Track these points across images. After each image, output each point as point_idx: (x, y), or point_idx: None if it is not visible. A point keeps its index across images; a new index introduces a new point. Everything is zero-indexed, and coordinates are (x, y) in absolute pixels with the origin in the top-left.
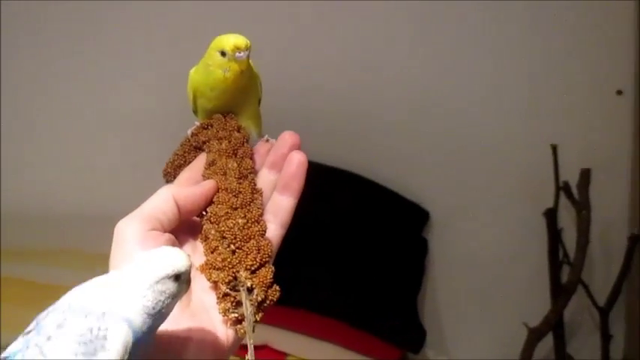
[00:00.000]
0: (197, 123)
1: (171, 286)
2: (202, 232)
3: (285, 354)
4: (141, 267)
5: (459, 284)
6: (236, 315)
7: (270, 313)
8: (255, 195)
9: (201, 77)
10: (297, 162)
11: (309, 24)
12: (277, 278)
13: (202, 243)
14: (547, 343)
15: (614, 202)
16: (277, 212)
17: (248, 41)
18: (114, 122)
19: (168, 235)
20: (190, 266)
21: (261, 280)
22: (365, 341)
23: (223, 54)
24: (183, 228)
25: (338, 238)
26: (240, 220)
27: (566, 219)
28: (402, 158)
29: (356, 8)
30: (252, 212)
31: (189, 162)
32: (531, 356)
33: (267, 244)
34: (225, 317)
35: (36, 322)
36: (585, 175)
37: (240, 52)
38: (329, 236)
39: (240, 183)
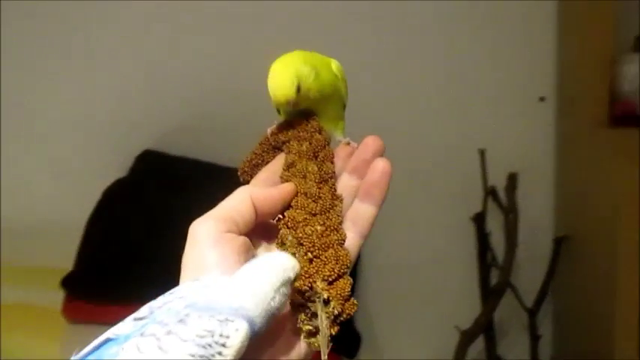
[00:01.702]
0: (277, 122)
1: (288, 290)
2: (279, 236)
3: None
4: (266, 270)
5: (390, 289)
6: (310, 327)
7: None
8: (335, 201)
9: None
10: (381, 169)
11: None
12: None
13: (278, 248)
14: (478, 344)
15: (540, 205)
16: (357, 220)
17: (289, 94)
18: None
19: (243, 238)
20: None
21: (338, 292)
22: None
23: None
24: (258, 230)
25: None
26: (318, 227)
27: (494, 223)
28: None
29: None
30: (331, 219)
31: (267, 162)
32: (463, 358)
33: (346, 254)
34: (299, 329)
35: (149, 310)
36: (512, 180)
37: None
38: None
39: (320, 188)
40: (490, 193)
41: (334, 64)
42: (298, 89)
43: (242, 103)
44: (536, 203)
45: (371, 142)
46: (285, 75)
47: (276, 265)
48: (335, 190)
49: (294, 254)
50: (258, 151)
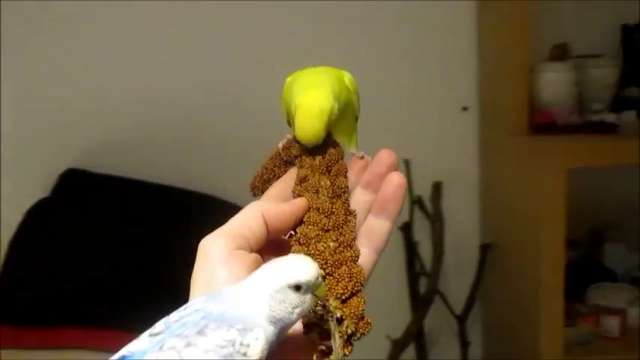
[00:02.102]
0: (289, 136)
1: (291, 296)
2: (291, 252)
3: None
4: (263, 276)
5: None
6: (323, 348)
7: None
8: (349, 217)
9: (288, 96)
10: (396, 184)
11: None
12: (118, 304)
13: None
14: (409, 353)
15: (465, 213)
16: (371, 236)
17: (318, 135)
18: None
19: (254, 255)
20: (317, 278)
21: (352, 310)
22: None
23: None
24: (270, 247)
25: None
26: (331, 244)
27: (421, 231)
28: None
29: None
30: (344, 235)
31: (279, 176)
32: None
33: (360, 272)
34: (312, 348)
35: (165, 324)
36: (437, 188)
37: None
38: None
39: (332, 203)
40: (416, 202)
41: (347, 78)
42: (326, 128)
43: (169, 119)
44: (461, 211)
45: (385, 156)
46: (320, 122)
47: (276, 269)
48: (348, 205)
49: None
50: (270, 165)
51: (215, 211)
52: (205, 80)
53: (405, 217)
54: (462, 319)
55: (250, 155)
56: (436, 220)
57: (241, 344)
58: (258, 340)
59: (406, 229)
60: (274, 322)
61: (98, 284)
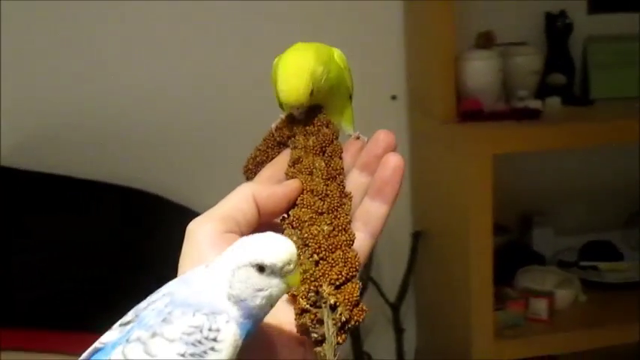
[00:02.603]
0: (282, 116)
1: (254, 277)
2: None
3: None
4: (230, 252)
5: None
6: (315, 335)
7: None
8: (344, 199)
9: (276, 76)
10: (393, 165)
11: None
12: (67, 301)
13: None
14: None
15: (397, 201)
16: (368, 220)
17: (301, 98)
18: None
19: None
20: (288, 263)
21: (346, 297)
22: None
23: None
24: (262, 230)
25: (129, 257)
26: (325, 227)
27: None
28: (189, 171)
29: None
30: (339, 219)
31: (272, 158)
32: None
33: (355, 256)
34: (303, 336)
35: (134, 313)
36: None
37: (291, 109)
38: (119, 256)
39: (327, 185)
40: None
41: (337, 54)
42: (311, 92)
43: (98, 113)
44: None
45: (382, 137)
46: (300, 80)
47: (238, 248)
48: (344, 188)
49: (299, 256)
50: (263, 147)
51: (158, 210)
52: (149, 76)
53: None
54: (395, 307)
55: (191, 152)
56: None
57: (210, 329)
58: (229, 324)
59: None
60: (236, 302)
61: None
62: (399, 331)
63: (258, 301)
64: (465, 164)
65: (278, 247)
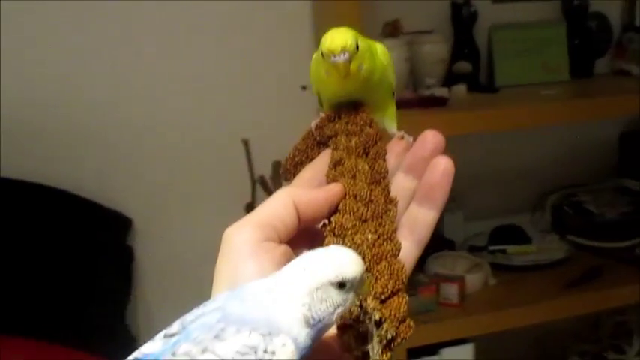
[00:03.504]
0: (322, 114)
1: (334, 294)
2: (325, 244)
3: None
4: (301, 270)
5: (170, 288)
6: (359, 353)
7: None
8: (389, 205)
9: (316, 68)
10: (443, 168)
11: None
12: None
13: None
14: None
15: None
16: (414, 227)
17: (348, 41)
18: None
19: (283, 247)
20: (362, 272)
21: (392, 312)
22: (75, 357)
23: (323, 54)
24: (302, 237)
25: (37, 254)
26: (370, 236)
27: None
28: (98, 167)
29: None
30: (384, 226)
31: (312, 159)
32: None
33: (402, 268)
34: (346, 353)
35: (181, 325)
36: (277, 168)
37: (335, 57)
38: (27, 253)
39: (371, 189)
40: (260, 182)
41: (380, 49)
42: (357, 47)
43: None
44: None
45: (430, 138)
46: (347, 32)
47: (315, 265)
48: (389, 192)
49: None
50: (302, 147)
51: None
52: (78, 87)
53: (248, 199)
54: None
55: (136, 157)
56: None
57: (265, 351)
58: (286, 347)
59: (250, 209)
60: (313, 324)
61: None
62: None
63: (334, 318)
64: None
65: (353, 260)
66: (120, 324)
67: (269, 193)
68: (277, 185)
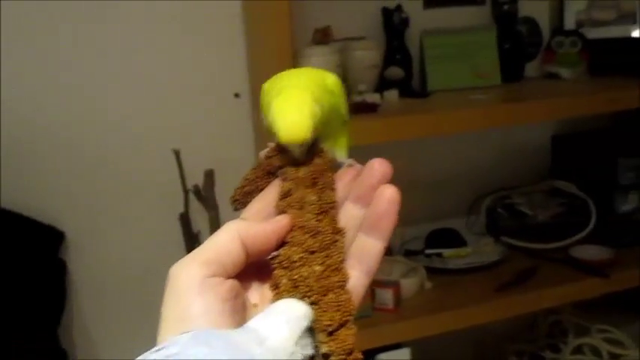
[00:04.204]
0: (271, 144)
1: (308, 341)
2: (273, 277)
3: None
4: (280, 321)
5: (105, 301)
6: None
7: None
8: (337, 236)
9: (266, 104)
10: (388, 198)
11: None
12: None
13: (272, 291)
14: None
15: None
16: (362, 257)
17: (307, 135)
18: None
19: (231, 283)
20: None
21: (339, 345)
22: None
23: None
24: (250, 270)
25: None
26: (317, 268)
27: (200, 221)
28: (30, 180)
29: None
30: (332, 257)
31: (261, 189)
32: None
33: (349, 300)
34: None
35: None
36: (209, 177)
37: (292, 147)
38: None
39: (319, 220)
40: (194, 192)
41: (330, 80)
42: (313, 129)
43: None
44: None
45: (377, 166)
46: (302, 118)
47: (291, 315)
48: (336, 223)
49: None
50: (251, 176)
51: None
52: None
53: (181, 208)
54: None
55: (69, 170)
56: (212, 209)
57: None
58: None
59: (184, 219)
60: None
61: None
62: None
63: None
64: None
65: (306, 306)
66: (50, 339)
67: (203, 202)
68: (210, 194)
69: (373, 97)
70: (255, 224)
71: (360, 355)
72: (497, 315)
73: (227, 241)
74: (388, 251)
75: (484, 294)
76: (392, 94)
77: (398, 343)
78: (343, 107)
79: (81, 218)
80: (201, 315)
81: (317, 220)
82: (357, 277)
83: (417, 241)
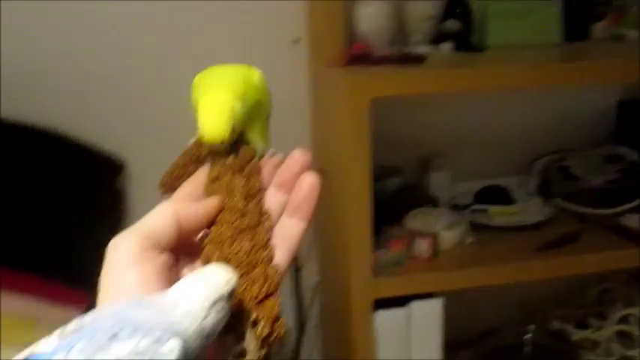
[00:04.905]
0: None
1: (225, 306)
2: (203, 254)
3: None
4: (198, 286)
5: None
6: (238, 350)
7: None
8: (263, 217)
9: (195, 98)
10: (308, 185)
11: None
12: None
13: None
14: None
15: (295, 144)
16: (285, 237)
17: (227, 134)
18: None
19: (165, 256)
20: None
21: (266, 312)
22: (60, 291)
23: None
24: (181, 247)
25: (31, 195)
26: (246, 244)
27: None
28: (91, 109)
29: None
30: (259, 236)
31: (190, 174)
32: None
33: (275, 273)
34: (226, 351)
35: (79, 325)
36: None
37: (213, 145)
38: (21, 195)
39: (246, 203)
40: None
41: (256, 76)
42: (232, 129)
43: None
44: (295, 142)
45: (298, 156)
46: (221, 120)
47: (210, 280)
48: (262, 206)
49: None
50: (181, 162)
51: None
52: (79, 30)
53: None
54: None
55: (132, 100)
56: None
57: (154, 352)
58: (173, 352)
59: None
60: (206, 335)
61: None
62: (296, 268)
63: (220, 328)
64: (345, 107)
65: (231, 272)
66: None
67: None
68: None
69: (425, 49)
70: (189, 204)
71: (285, 322)
72: (535, 275)
73: (163, 218)
74: (435, 203)
75: (524, 253)
76: (445, 47)
77: (431, 293)
78: (268, 103)
79: (142, 148)
80: (137, 283)
81: (245, 203)
82: (281, 255)
83: (467, 196)
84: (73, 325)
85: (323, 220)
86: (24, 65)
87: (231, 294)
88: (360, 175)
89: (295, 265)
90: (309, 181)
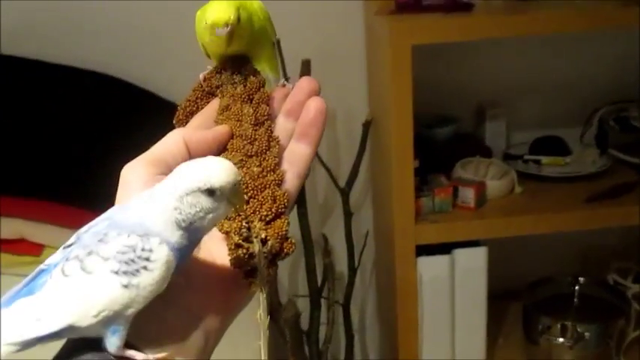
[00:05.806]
0: (209, 67)
1: (203, 201)
2: None
3: (42, 246)
4: (175, 179)
5: None
6: (248, 267)
7: (24, 207)
8: (272, 142)
9: (200, 27)
10: (315, 109)
11: None
12: (32, 172)
13: None
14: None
15: (353, 93)
16: (294, 161)
17: (231, 16)
18: None
19: None
20: (234, 184)
21: (276, 231)
22: None
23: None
24: None
25: (101, 138)
26: (255, 169)
27: None
28: (155, 57)
29: None
30: (267, 160)
31: (202, 108)
32: None
33: (283, 194)
34: (237, 269)
35: (77, 236)
36: (306, 66)
37: (218, 29)
38: (91, 136)
39: (255, 130)
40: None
41: (258, 5)
42: (238, 19)
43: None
44: (349, 91)
45: (305, 84)
46: (228, 4)
47: (186, 174)
48: (271, 133)
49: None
50: (192, 97)
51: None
52: None
53: None
54: (345, 192)
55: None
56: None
57: (143, 249)
58: (162, 245)
59: None
60: (185, 226)
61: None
62: (348, 214)
63: (206, 223)
64: (387, 55)
65: (223, 170)
66: None
67: None
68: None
69: None
70: (198, 131)
71: (293, 241)
72: (583, 225)
73: (172, 143)
74: (488, 153)
75: (573, 203)
76: None
77: (476, 241)
78: (271, 31)
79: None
80: None
81: (253, 130)
82: (290, 179)
83: (522, 146)
84: (73, 237)
85: (375, 168)
86: (95, 17)
87: (222, 190)
88: (404, 122)
89: (346, 211)
90: (316, 105)
